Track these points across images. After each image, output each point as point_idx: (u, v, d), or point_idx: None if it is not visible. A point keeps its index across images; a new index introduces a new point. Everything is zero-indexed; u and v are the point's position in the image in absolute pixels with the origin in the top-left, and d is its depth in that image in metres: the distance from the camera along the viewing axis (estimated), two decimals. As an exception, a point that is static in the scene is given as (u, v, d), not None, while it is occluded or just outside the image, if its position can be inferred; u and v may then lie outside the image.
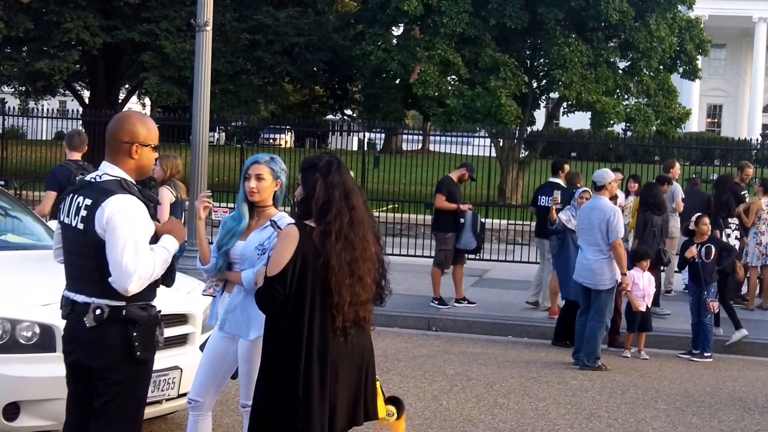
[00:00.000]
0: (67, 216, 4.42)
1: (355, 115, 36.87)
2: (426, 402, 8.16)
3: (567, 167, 13.09)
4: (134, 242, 4.22)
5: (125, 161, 4.45)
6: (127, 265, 4.20)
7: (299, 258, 4.37)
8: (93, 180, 4.42)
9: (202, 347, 5.70)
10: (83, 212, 4.31)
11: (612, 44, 28.47)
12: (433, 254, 12.99)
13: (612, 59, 28.71)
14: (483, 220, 13.36)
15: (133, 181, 4.45)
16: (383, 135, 35.13)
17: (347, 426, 4.56)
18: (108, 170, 4.43)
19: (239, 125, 25.36)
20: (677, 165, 14.49)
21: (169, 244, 4.45)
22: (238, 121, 25.41)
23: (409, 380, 8.93)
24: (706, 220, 11.00)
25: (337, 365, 4.41)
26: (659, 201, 11.96)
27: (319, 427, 4.37)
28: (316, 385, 4.35)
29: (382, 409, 4.75)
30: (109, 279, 4.24)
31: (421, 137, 36.26)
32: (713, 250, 10.62)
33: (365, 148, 24.01)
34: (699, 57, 30.65)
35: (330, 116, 38.94)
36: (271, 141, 33.79)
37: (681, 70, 30.40)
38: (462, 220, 12.41)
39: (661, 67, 29.17)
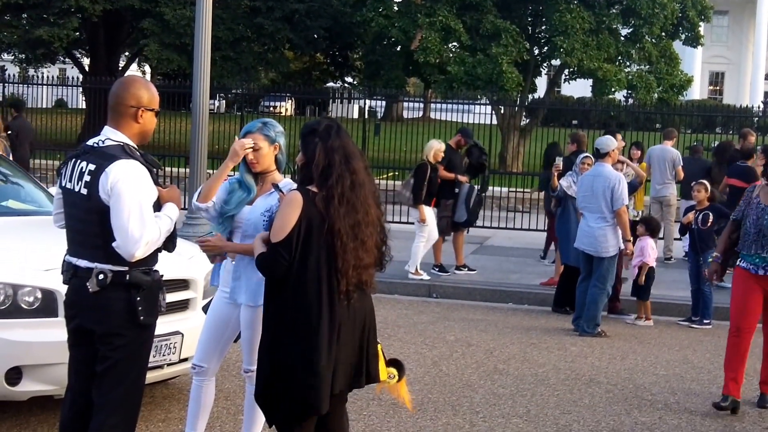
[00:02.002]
0: (69, 181, 4.41)
1: (355, 82, 36.71)
2: (426, 368, 8.21)
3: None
4: (139, 208, 4.23)
5: (130, 125, 4.44)
6: (133, 232, 4.20)
7: (304, 223, 4.37)
8: (96, 145, 4.40)
9: (204, 309, 5.71)
10: (86, 177, 4.30)
11: (614, 10, 28.30)
12: (434, 221, 12.98)
13: (614, 26, 28.54)
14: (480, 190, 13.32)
15: (135, 146, 4.44)
16: (384, 102, 35.04)
17: (347, 388, 4.59)
18: (111, 135, 4.42)
19: (239, 93, 25.26)
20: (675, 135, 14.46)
21: (172, 212, 4.47)
22: (239, 88, 25.31)
23: (409, 346, 8.97)
24: (700, 187, 10.99)
25: (340, 328, 4.42)
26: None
27: (327, 391, 4.41)
28: (325, 351, 4.36)
29: (383, 371, 4.77)
30: (114, 244, 4.24)
31: (422, 105, 36.13)
32: (710, 216, 10.60)
33: (366, 116, 23.96)
34: (701, 23, 30.44)
35: (331, 84, 38.78)
36: (272, 109, 33.65)
37: (683, 36, 30.24)
38: (456, 191, 12.41)
39: (663, 33, 29.02)
